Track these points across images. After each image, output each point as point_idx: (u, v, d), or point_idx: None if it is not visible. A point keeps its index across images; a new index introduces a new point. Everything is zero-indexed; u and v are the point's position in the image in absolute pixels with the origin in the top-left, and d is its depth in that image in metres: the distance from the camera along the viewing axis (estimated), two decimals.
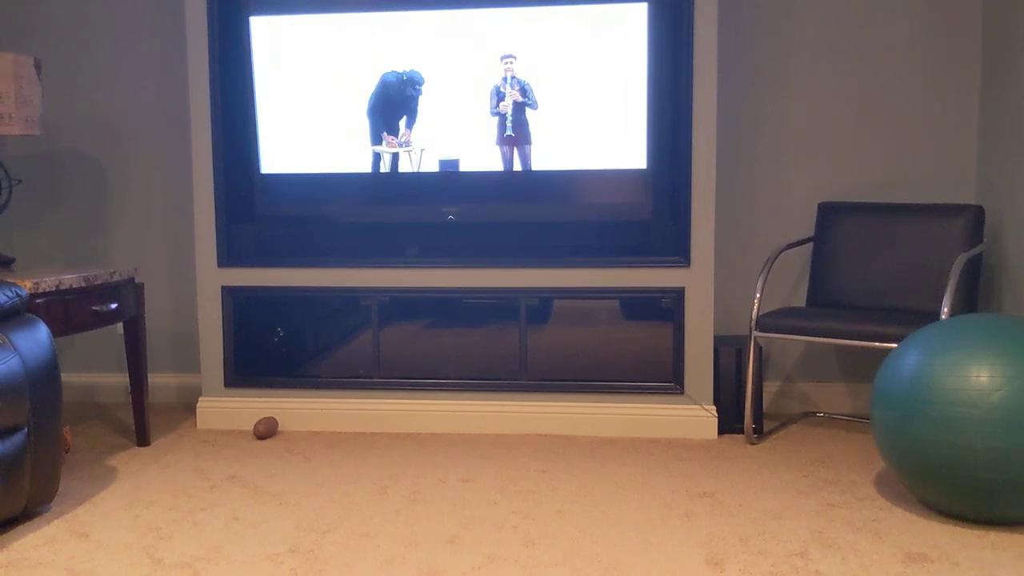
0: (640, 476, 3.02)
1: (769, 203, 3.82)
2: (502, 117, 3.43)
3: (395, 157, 3.53)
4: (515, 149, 3.46)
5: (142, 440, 3.44)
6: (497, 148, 3.48)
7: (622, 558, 2.36)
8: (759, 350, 3.46)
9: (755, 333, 3.34)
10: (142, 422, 3.43)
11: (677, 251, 3.46)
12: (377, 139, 3.53)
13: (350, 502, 2.81)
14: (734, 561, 2.33)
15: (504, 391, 3.58)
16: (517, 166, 3.48)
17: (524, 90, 3.40)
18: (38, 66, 3.45)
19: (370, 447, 3.40)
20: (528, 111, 3.44)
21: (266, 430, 3.53)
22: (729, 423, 3.51)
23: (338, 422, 3.64)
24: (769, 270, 3.46)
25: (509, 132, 3.44)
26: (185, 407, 4.02)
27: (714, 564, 2.32)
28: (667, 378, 3.50)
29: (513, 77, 3.41)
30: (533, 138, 3.46)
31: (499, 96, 3.39)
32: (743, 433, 3.44)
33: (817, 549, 2.41)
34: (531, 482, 2.98)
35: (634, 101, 3.41)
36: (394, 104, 3.50)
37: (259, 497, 2.86)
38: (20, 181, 3.77)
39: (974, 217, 3.40)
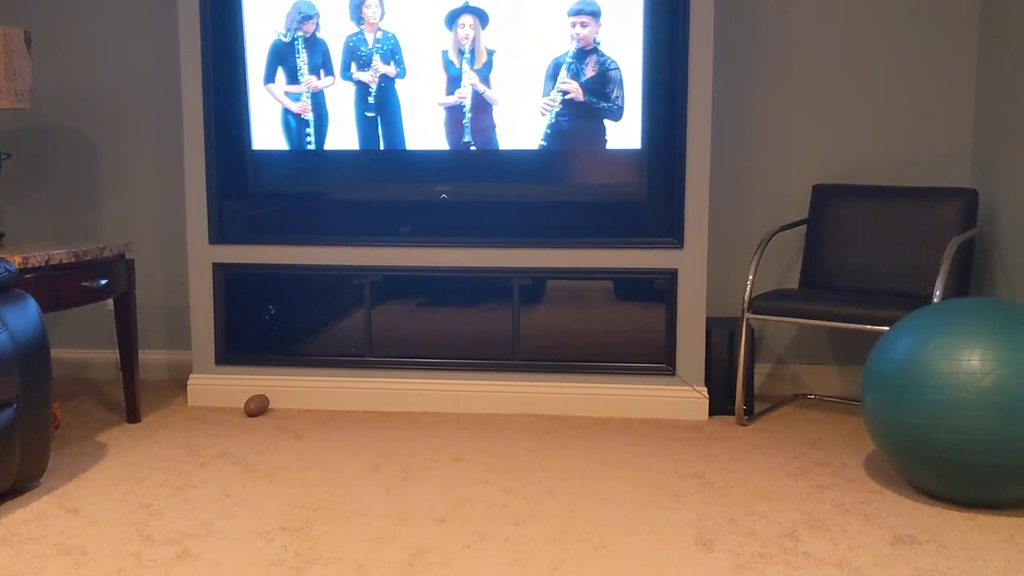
0: (631, 456, 3.03)
1: (763, 185, 3.81)
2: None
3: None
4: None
5: (132, 417, 3.43)
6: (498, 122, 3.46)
7: (612, 537, 2.37)
8: (751, 332, 3.46)
9: (747, 315, 3.34)
10: (132, 399, 3.42)
11: (671, 232, 3.46)
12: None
13: (341, 480, 2.81)
14: (723, 541, 2.34)
15: (496, 371, 3.58)
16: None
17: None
18: (28, 39, 3.41)
19: (362, 425, 3.40)
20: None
21: (257, 407, 3.52)
22: (720, 404, 3.51)
23: (330, 400, 3.63)
24: (762, 252, 3.45)
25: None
26: (176, 384, 4.01)
27: (703, 544, 2.32)
28: (659, 359, 3.50)
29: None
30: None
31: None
32: (734, 415, 3.45)
33: (806, 531, 2.41)
34: (522, 461, 2.98)
35: (629, 80, 3.39)
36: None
37: (250, 474, 2.86)
38: (9, 155, 3.73)
39: (968, 201, 3.40)
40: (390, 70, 3.42)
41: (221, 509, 2.57)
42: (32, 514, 2.54)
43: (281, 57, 3.53)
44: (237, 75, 3.59)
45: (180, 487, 2.75)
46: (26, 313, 2.65)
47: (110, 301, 3.42)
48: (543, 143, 3.45)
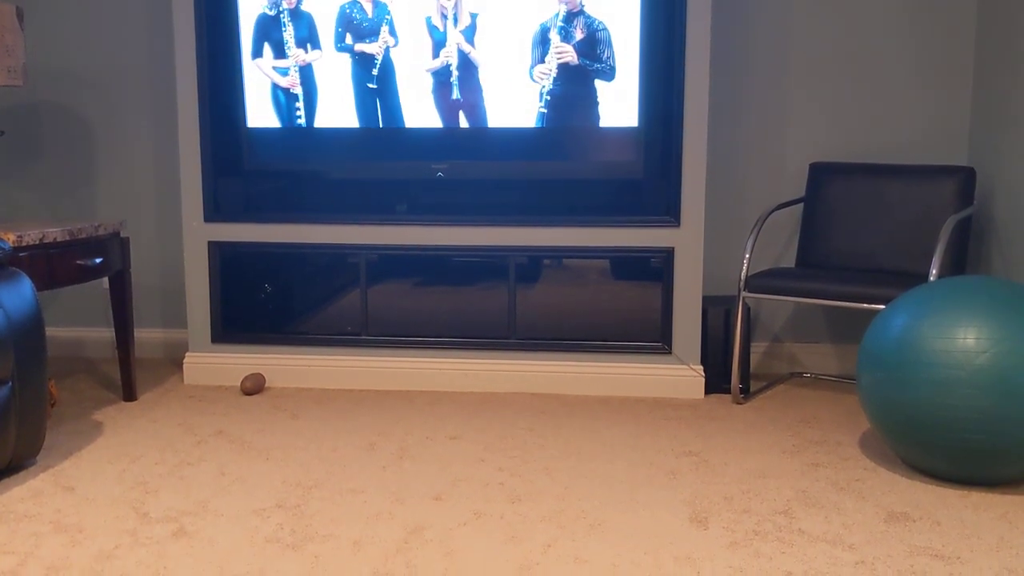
0: (627, 435, 3.04)
1: (761, 163, 3.80)
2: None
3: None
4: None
5: (129, 395, 3.43)
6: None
7: (607, 515, 2.37)
8: (747, 310, 3.46)
9: (744, 293, 3.34)
10: (128, 377, 3.42)
11: (667, 211, 3.45)
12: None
13: (337, 458, 2.81)
14: (718, 519, 2.35)
15: (493, 349, 3.57)
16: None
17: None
18: (20, 15, 3.38)
19: (358, 404, 3.40)
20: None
21: (253, 386, 3.52)
22: (716, 383, 3.52)
23: (326, 379, 3.63)
24: (759, 230, 3.45)
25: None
26: (172, 362, 4.01)
27: (698, 522, 2.33)
28: (655, 338, 3.50)
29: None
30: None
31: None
32: (730, 393, 3.45)
33: (801, 508, 2.42)
34: (518, 440, 2.98)
35: (627, 57, 3.37)
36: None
37: (246, 452, 2.86)
38: (3, 132, 3.71)
39: (965, 179, 3.39)
40: (391, 40, 3.40)
41: (217, 487, 2.58)
42: (28, 492, 2.54)
43: (267, 31, 3.50)
44: (231, 52, 3.56)
45: (176, 465, 2.75)
46: (20, 291, 2.64)
47: (105, 279, 3.41)
48: (543, 110, 3.42)
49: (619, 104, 3.40)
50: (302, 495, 2.51)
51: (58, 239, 3.06)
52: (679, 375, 3.49)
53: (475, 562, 2.12)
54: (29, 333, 2.63)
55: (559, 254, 3.53)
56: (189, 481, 2.62)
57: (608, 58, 3.33)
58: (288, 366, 3.64)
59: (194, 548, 2.19)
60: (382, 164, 3.57)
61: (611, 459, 2.80)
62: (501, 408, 3.34)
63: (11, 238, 2.89)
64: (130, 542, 2.23)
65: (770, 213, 3.54)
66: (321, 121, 3.55)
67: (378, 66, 3.46)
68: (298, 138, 3.58)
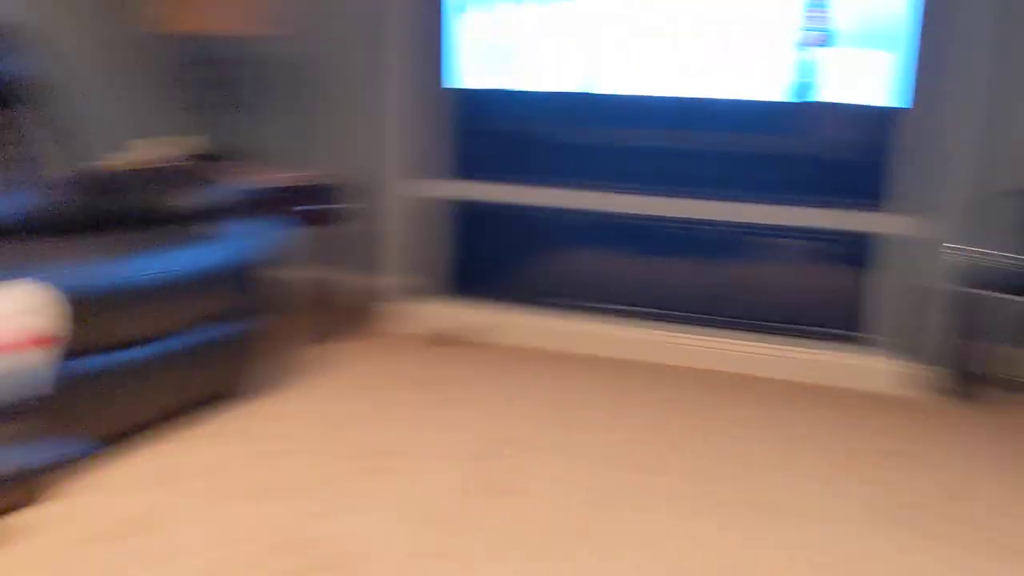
0: (831, 427, 2.90)
1: (999, 146, 3.48)
2: None
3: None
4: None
5: (340, 337, 3.61)
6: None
7: (775, 500, 2.29)
8: (976, 307, 3.21)
9: (973, 289, 3.10)
10: (341, 320, 3.59)
11: (896, 195, 3.25)
12: None
13: (539, 417, 2.84)
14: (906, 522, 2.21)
15: (703, 325, 3.51)
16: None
17: None
18: None
19: (564, 366, 3.41)
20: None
21: (457, 339, 3.61)
22: (935, 382, 3.29)
23: (533, 339, 3.65)
24: (996, 221, 3.18)
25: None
26: (383, 310, 4.17)
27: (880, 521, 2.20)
28: (863, 327, 3.32)
29: None
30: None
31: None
32: (949, 394, 3.22)
33: (1012, 523, 2.24)
34: (736, 419, 2.92)
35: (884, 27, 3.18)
36: None
37: (448, 403, 2.95)
38: (254, 79, 3.93)
39: None
40: None
41: (417, 432, 2.67)
42: (243, 418, 2.73)
43: None
44: (444, 10, 3.63)
45: (379, 406, 2.87)
46: (252, 231, 2.83)
47: (330, 225, 3.59)
48: (784, 80, 3.28)
49: (858, 79, 3.22)
50: (498, 450, 2.57)
51: (291, 184, 3.24)
52: (888, 370, 3.29)
53: (677, 538, 2.10)
54: (255, 271, 2.83)
55: (777, 233, 3.40)
56: (390, 423, 2.73)
57: (864, 26, 3.14)
58: (499, 323, 3.70)
59: (392, 487, 2.29)
60: (600, 129, 3.56)
61: (802, 450, 2.69)
62: (729, 388, 3.27)
63: (248, 181, 3.09)
64: (332, 474, 2.35)
65: (1008, 200, 3.25)
66: (540, 80, 3.56)
67: (599, 25, 3.43)
68: (518, 100, 3.62)
